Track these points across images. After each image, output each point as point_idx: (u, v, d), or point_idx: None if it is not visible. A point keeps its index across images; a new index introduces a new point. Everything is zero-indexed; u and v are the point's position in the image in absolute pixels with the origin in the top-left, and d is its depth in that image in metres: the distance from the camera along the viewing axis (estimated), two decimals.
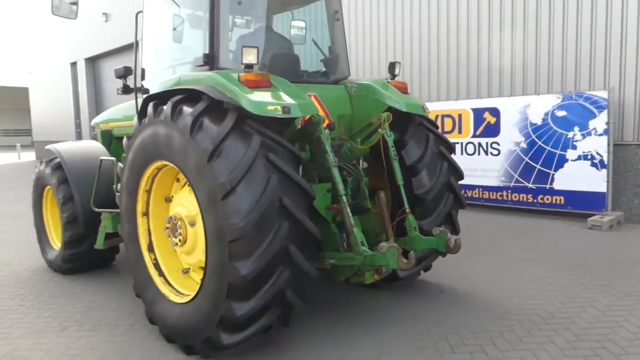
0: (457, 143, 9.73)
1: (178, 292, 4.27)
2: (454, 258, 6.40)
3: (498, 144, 9.16)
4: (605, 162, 7.94)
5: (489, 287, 5.44)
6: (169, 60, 5.33)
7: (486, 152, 9.34)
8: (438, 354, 3.98)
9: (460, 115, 9.66)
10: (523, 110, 8.78)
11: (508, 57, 9.40)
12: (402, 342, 4.19)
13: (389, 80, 5.18)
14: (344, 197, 4.09)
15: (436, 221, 4.95)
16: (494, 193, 9.35)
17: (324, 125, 4.43)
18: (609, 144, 7.89)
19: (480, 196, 9.55)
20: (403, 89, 5.12)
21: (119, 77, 5.44)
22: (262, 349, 4.08)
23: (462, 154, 9.68)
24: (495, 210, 9.45)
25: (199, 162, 3.61)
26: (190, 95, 3.95)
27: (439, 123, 9.98)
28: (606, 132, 7.88)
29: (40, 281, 6.14)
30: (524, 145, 8.80)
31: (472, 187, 9.62)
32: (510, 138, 8.96)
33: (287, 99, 3.87)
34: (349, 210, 4.09)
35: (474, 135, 9.48)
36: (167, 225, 4.26)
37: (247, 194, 3.48)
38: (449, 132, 9.83)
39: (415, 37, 10.92)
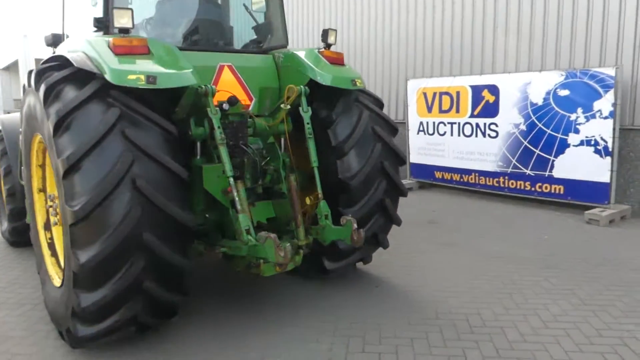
0: (455, 123, 8.96)
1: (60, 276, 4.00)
2: (416, 249, 5.88)
3: (496, 125, 8.32)
4: (610, 149, 7.00)
5: (434, 284, 4.85)
6: (85, 26, 4.99)
7: (484, 134, 8.53)
8: (344, 351, 3.56)
9: (458, 93, 8.85)
10: (523, 88, 7.88)
11: (514, 29, 8.45)
12: (302, 339, 3.75)
13: (321, 49, 4.61)
14: (231, 179, 3.64)
15: (363, 210, 4.41)
16: (491, 179, 8.55)
17: (226, 98, 3.98)
18: (614, 129, 6.93)
19: (477, 181, 8.78)
20: (336, 60, 4.55)
21: (48, 45, 5.16)
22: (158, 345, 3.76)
23: (459, 135, 8.91)
24: (491, 198, 8.67)
25: (49, 135, 3.26)
26: (62, 63, 3.60)
27: (436, 101, 9.22)
28: (612, 114, 6.91)
29: None
30: (523, 127, 7.94)
31: (468, 172, 8.86)
32: (509, 119, 8.11)
33: (158, 68, 3.43)
34: (238, 193, 3.64)
35: (472, 115, 8.67)
36: (50, 203, 3.98)
37: (91, 173, 3.10)
38: (447, 112, 9.06)
39: (405, 2, 10.06)
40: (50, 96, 3.33)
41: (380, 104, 4.84)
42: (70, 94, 3.30)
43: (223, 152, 3.65)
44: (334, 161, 4.39)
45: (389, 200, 4.57)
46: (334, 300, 4.50)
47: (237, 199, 3.62)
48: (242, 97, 4.35)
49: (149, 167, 3.25)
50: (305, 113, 4.17)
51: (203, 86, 3.62)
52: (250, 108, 4.42)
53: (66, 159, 3.05)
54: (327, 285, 4.82)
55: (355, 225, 3.86)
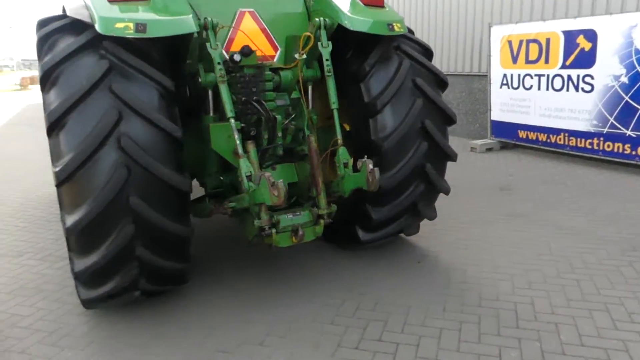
0: (543, 75, 7.79)
1: None
2: (478, 220, 5.21)
3: (592, 78, 7.08)
4: None
5: (486, 263, 4.20)
6: None
7: (576, 88, 7.31)
8: (358, 337, 3.14)
9: (548, 41, 7.63)
10: (628, 32, 6.55)
11: None
12: (316, 318, 3.38)
13: None
14: (232, 120, 3.26)
15: (398, 176, 3.83)
16: (583, 140, 7.39)
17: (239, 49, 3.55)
18: None
19: (566, 142, 7.64)
20: (373, 1, 3.89)
21: None
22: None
23: (547, 89, 7.76)
24: (582, 162, 7.53)
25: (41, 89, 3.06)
26: (65, 14, 3.38)
27: (522, 50, 8.06)
28: None
29: None
30: (624, 79, 6.65)
31: (556, 132, 7.73)
32: (607, 70, 6.84)
33: (150, 15, 3.07)
34: (237, 136, 3.26)
35: (563, 66, 7.45)
36: None
37: (74, 132, 2.86)
38: (534, 62, 7.89)
39: None
40: (44, 48, 3.13)
41: (428, 52, 4.13)
42: (61, 45, 3.06)
43: (223, 90, 3.26)
44: (366, 121, 3.83)
45: (431, 165, 3.92)
46: (363, 276, 4.03)
47: (237, 142, 3.24)
48: (266, 48, 3.88)
49: (137, 126, 2.94)
50: (325, 49, 3.65)
51: (202, 19, 3.21)
52: (275, 59, 3.94)
53: (47, 116, 2.84)
54: (360, 258, 4.36)
55: (370, 166, 3.37)
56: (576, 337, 3.08)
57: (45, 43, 3.13)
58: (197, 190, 4.48)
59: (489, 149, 8.90)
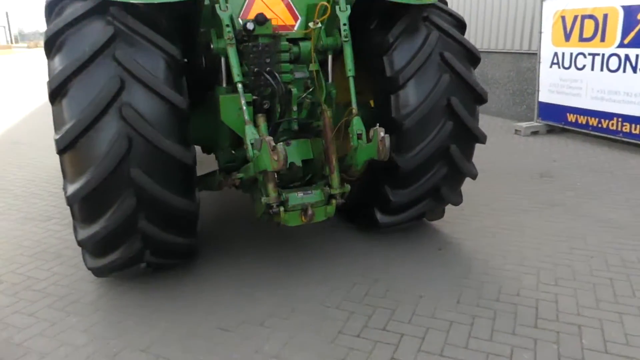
0: (597, 55, 7.19)
1: None
2: (512, 207, 4.92)
3: None
4: None
5: (512, 254, 3.93)
6: None
7: (634, 69, 6.70)
8: (361, 325, 2.99)
9: (605, 16, 7.00)
10: None
11: None
12: (322, 301, 3.26)
13: None
14: (239, 85, 3.13)
15: (418, 158, 3.59)
16: (638, 127, 6.80)
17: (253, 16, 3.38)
18: None
19: (619, 129, 7.07)
20: None
21: None
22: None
23: (602, 69, 7.16)
24: (636, 150, 6.96)
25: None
26: None
27: (576, 27, 7.45)
28: None
29: None
30: None
31: (609, 116, 7.16)
32: None
33: None
34: (244, 101, 3.12)
35: (621, 45, 6.83)
36: None
37: (75, 100, 2.81)
38: (589, 40, 7.29)
39: None
40: (52, 14, 3.07)
41: (460, 25, 3.82)
42: (68, 11, 2.99)
43: (231, 54, 3.13)
44: (387, 97, 3.60)
45: (456, 147, 3.66)
46: (379, 261, 3.86)
47: (244, 108, 3.10)
48: (285, 16, 3.69)
49: (141, 95, 2.85)
50: (342, 12, 3.41)
51: None
52: (294, 29, 3.75)
53: (48, 83, 2.79)
54: (378, 241, 4.18)
55: (381, 134, 3.15)
56: (600, 343, 2.81)
57: (53, 9, 3.07)
58: (210, 165, 4.42)
59: (534, 132, 8.39)
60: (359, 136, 3.35)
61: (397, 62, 3.56)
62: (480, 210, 4.85)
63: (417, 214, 4.01)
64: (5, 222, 4.87)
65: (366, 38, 3.76)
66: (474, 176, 3.91)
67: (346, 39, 3.40)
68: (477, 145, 3.92)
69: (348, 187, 3.47)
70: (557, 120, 8.21)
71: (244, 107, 3.10)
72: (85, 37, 2.86)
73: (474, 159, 3.98)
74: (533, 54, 8.73)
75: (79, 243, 3.04)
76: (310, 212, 3.30)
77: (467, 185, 4.29)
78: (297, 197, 3.34)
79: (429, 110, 3.51)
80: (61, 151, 2.80)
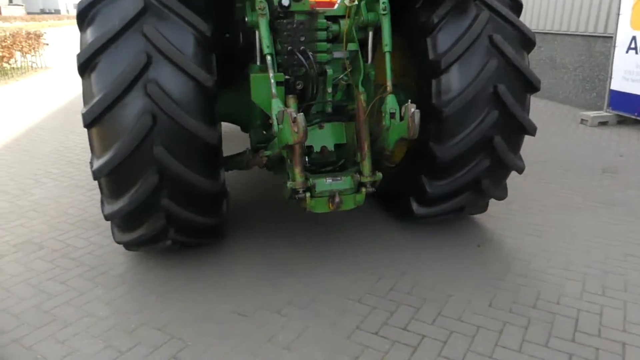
0: None
1: None
2: (565, 204, 4.62)
3: None
4: None
5: (558, 257, 3.63)
6: None
7: None
8: (381, 321, 2.87)
9: None
10: None
11: None
12: (344, 293, 3.15)
13: None
14: (268, 58, 2.99)
15: (457, 148, 3.36)
16: None
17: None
18: None
19: None
20: None
21: None
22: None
23: None
24: None
25: None
26: None
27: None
28: None
29: None
30: None
31: None
32: None
33: None
34: (272, 74, 2.97)
35: None
36: None
37: (102, 75, 2.81)
38: None
39: None
40: None
41: (515, 4, 3.50)
42: None
43: (262, 24, 3.01)
44: (429, 81, 3.37)
45: (501, 138, 3.38)
46: (410, 254, 3.68)
47: (272, 81, 2.96)
48: None
49: (167, 72, 2.80)
50: None
51: None
52: (335, 6, 3.56)
53: (77, 57, 2.79)
54: (413, 233, 3.99)
55: (412, 110, 2.94)
56: None
57: None
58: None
59: (603, 123, 7.75)
60: (392, 115, 3.12)
61: (440, 45, 3.31)
62: (529, 205, 4.53)
63: (455, 207, 3.78)
64: (56, 189, 5.09)
65: (411, 17, 3.52)
66: (520, 170, 3.62)
67: (384, 12, 3.17)
68: (535, 136, 3.60)
69: (380, 175, 3.31)
70: (630, 110, 7.53)
71: (272, 81, 2.97)
72: (116, 11, 2.83)
73: (529, 149, 3.68)
74: (608, 37, 8.01)
75: (106, 217, 3.08)
76: (337, 199, 3.17)
77: (516, 178, 4.00)
78: (325, 183, 3.22)
79: (472, 98, 3.25)
80: (88, 125, 2.81)
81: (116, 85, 2.73)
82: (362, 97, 3.25)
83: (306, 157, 3.41)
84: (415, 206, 3.77)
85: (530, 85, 3.39)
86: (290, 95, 3.18)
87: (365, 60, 3.50)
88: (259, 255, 3.69)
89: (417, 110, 2.96)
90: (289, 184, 3.13)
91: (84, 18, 2.88)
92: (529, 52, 3.48)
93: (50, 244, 3.90)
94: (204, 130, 2.89)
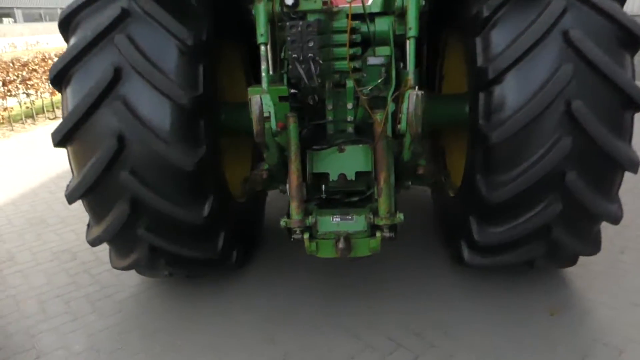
0: None
1: None
2: None
3: None
4: None
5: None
6: None
7: None
8: None
9: None
10: None
11: None
12: (356, 343, 2.51)
13: None
14: (262, 48, 2.55)
15: (513, 189, 2.46)
16: None
17: None
18: None
19: None
20: None
21: None
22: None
23: None
24: None
25: None
26: None
27: None
28: None
29: None
30: None
31: None
32: None
33: None
34: (264, 67, 2.57)
35: None
36: None
37: (76, 88, 2.55)
38: None
39: None
40: None
41: None
42: None
43: (259, 8, 2.56)
44: (476, 95, 2.54)
45: (578, 175, 2.40)
46: (455, 314, 2.87)
47: (263, 74, 2.57)
48: None
49: (137, 88, 2.44)
50: None
51: None
52: (369, 2, 2.86)
53: (50, 69, 2.56)
54: (463, 282, 3.14)
55: (414, 96, 2.23)
56: None
57: None
58: None
59: None
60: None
61: (493, 46, 2.45)
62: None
63: (521, 259, 2.85)
64: None
65: (464, 10, 2.70)
66: (613, 219, 2.57)
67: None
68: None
69: (401, 216, 2.57)
70: None
71: (263, 74, 2.55)
72: (93, 19, 2.54)
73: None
74: None
75: (89, 243, 2.83)
76: (341, 245, 2.52)
77: (631, 214, 2.89)
78: (331, 223, 2.60)
79: (532, 119, 2.34)
80: (57, 145, 2.57)
81: (83, 103, 2.43)
82: (378, 117, 2.53)
83: (323, 186, 2.82)
84: (466, 253, 2.92)
85: (629, 102, 2.36)
86: (290, 114, 2.59)
87: (403, 68, 2.77)
88: (262, 298, 3.15)
89: (420, 92, 2.21)
90: (282, 221, 2.57)
91: (66, 28, 2.64)
92: (632, 55, 2.43)
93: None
94: (177, 155, 2.46)
